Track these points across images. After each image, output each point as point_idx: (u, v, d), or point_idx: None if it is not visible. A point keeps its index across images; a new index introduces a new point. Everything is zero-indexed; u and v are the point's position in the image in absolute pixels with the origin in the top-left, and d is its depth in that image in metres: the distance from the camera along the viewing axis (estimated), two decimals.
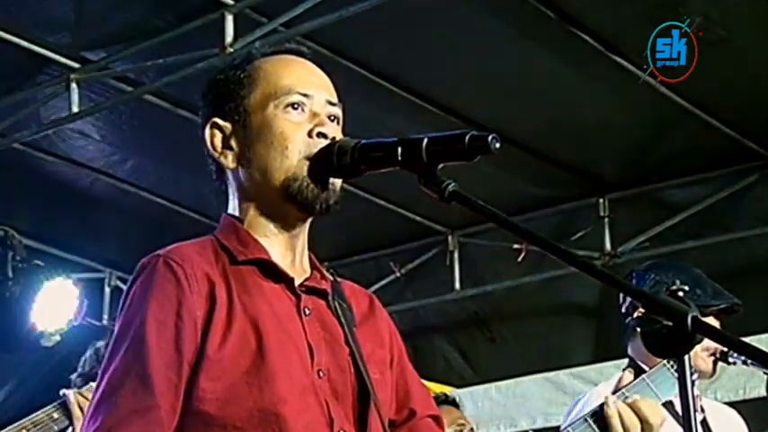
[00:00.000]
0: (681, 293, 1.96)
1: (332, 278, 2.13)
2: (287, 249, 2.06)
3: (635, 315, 3.48)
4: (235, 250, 2.02)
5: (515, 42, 5.46)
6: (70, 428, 3.61)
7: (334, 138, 2.02)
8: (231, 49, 5.14)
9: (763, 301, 5.81)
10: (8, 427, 3.56)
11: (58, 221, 7.18)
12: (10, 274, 6.31)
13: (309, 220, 2.08)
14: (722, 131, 6.01)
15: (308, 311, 2.01)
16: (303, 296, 2.02)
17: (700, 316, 1.61)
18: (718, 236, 6.43)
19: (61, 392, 3.63)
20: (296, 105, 2.05)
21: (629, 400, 2.89)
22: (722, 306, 3.57)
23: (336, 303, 2.06)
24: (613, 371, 4.22)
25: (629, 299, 3.54)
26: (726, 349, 3.41)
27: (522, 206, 6.74)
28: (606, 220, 6.74)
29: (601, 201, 6.74)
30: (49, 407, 3.60)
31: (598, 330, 6.95)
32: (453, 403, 4.57)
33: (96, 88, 5.90)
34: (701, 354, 3.48)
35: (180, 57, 5.39)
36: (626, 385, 3.00)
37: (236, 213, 2.09)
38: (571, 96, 5.83)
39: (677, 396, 1.85)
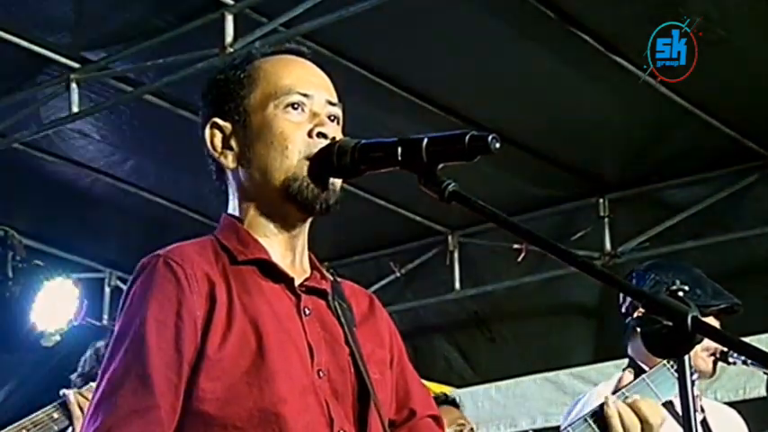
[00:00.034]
0: (681, 293, 1.95)
1: (332, 278, 2.13)
2: (287, 249, 2.06)
3: (635, 315, 3.48)
4: (235, 250, 2.02)
5: (515, 42, 5.46)
6: (70, 428, 3.61)
7: (334, 138, 2.02)
8: (231, 49, 5.14)
9: (763, 301, 5.82)
10: (8, 427, 3.56)
11: (57, 221, 7.17)
12: (10, 274, 6.30)
13: (309, 220, 2.08)
14: (722, 131, 6.01)
15: (307, 311, 2.01)
16: (303, 296, 2.02)
17: (700, 316, 1.61)
18: (718, 236, 6.43)
19: (61, 392, 3.63)
20: (296, 105, 2.05)
21: (629, 400, 2.89)
22: (722, 306, 3.57)
23: (336, 303, 2.06)
24: (613, 371, 4.22)
25: (629, 299, 3.54)
26: (726, 349, 3.41)
27: (522, 206, 6.73)
28: (606, 220, 6.74)
29: (601, 201, 6.74)
30: (49, 407, 3.60)
31: (598, 330, 6.95)
32: (453, 403, 4.57)
33: (96, 88, 5.90)
34: (701, 354, 3.48)
35: (180, 57, 5.39)
36: (626, 385, 3.00)
37: (236, 213, 2.09)
38: (571, 96, 5.83)
39: (677, 396, 1.85)
